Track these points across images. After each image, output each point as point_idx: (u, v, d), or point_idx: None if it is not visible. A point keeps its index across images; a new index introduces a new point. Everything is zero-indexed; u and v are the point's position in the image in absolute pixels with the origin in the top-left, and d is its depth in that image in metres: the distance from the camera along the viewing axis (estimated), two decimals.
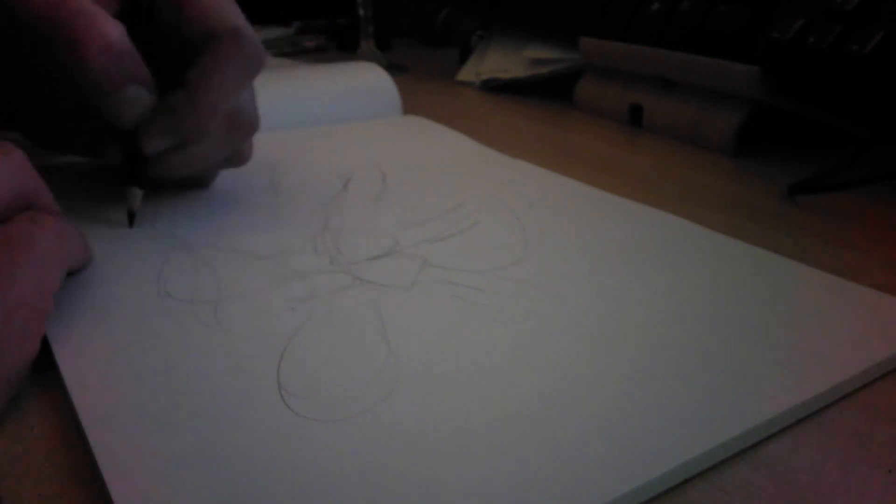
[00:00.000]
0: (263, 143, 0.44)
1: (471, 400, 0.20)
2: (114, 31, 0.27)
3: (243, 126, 0.33)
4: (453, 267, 0.28)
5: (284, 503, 0.17)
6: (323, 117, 0.48)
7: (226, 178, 0.37)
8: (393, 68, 0.69)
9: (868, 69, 0.37)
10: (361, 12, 0.73)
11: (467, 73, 0.66)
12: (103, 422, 0.19)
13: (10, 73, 0.31)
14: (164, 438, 0.18)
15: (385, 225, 0.32)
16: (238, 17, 0.30)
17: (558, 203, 0.34)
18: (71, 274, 0.25)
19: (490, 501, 0.17)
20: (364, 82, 0.51)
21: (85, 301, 0.25)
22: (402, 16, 0.91)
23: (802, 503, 0.17)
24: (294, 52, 0.83)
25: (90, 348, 0.22)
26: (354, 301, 0.25)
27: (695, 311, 0.25)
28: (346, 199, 0.35)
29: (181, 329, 0.23)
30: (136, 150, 0.30)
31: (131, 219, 0.31)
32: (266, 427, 0.19)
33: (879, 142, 0.36)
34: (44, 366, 0.21)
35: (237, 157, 0.35)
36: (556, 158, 0.43)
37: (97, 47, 0.27)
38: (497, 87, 0.62)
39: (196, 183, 0.36)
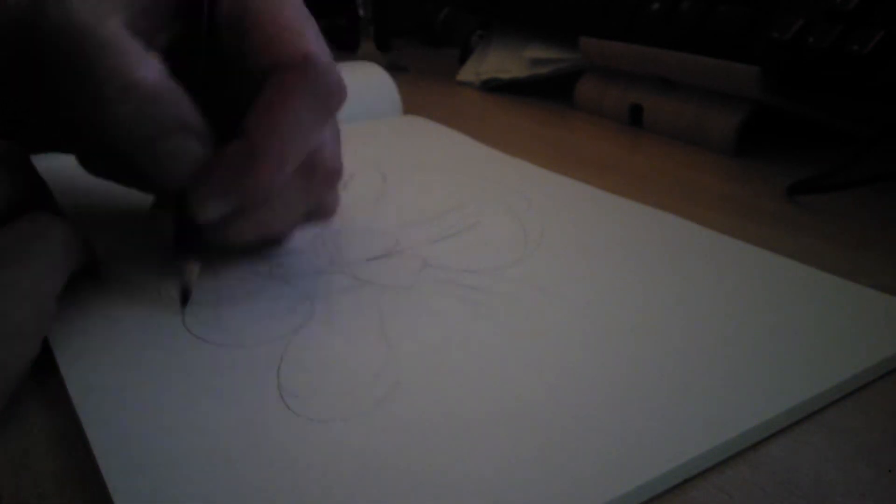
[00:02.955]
0: None
1: (471, 400, 0.20)
2: (143, 68, 0.22)
3: (323, 174, 0.26)
4: (453, 267, 0.28)
5: (284, 503, 0.17)
6: None
7: None
8: (393, 68, 0.69)
9: (868, 69, 0.37)
10: (361, 12, 0.73)
11: (467, 73, 0.66)
12: (103, 422, 0.19)
13: (43, 101, 0.25)
14: (164, 438, 0.18)
15: (385, 225, 0.32)
16: (311, 43, 0.24)
17: (558, 203, 0.34)
18: (73, 276, 0.25)
19: (490, 501, 0.17)
20: (364, 82, 0.51)
21: (85, 301, 0.25)
22: (402, 16, 0.91)
23: (802, 503, 0.17)
24: None
25: (90, 348, 0.22)
26: (354, 301, 0.25)
27: (695, 311, 0.25)
28: (346, 199, 0.35)
29: (181, 329, 0.23)
30: (188, 215, 0.24)
31: (185, 298, 0.25)
32: (266, 427, 0.19)
33: (879, 142, 0.36)
34: (44, 366, 0.21)
35: (319, 211, 0.28)
36: (556, 158, 0.43)
37: (117, 88, 0.21)
38: (497, 87, 0.62)
39: (266, 245, 0.29)
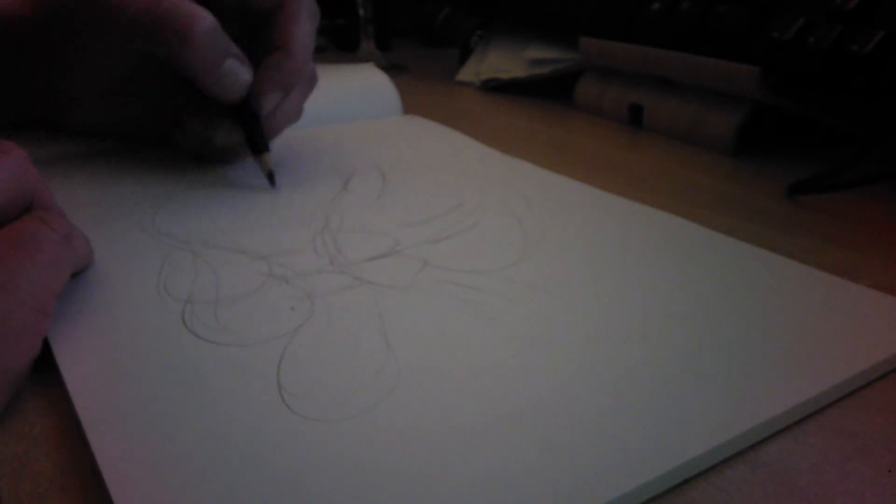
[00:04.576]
0: None
1: (470, 400, 0.20)
2: (207, 14, 0.32)
3: (313, 75, 0.39)
4: (453, 267, 0.28)
5: (284, 503, 0.17)
6: (323, 118, 0.48)
7: (226, 177, 0.37)
8: (393, 68, 0.69)
9: (868, 69, 0.37)
10: (361, 12, 0.73)
11: (467, 73, 0.66)
12: (103, 422, 0.19)
13: (74, 65, 0.35)
14: (164, 438, 0.18)
15: (385, 225, 0.32)
16: None
17: (558, 203, 0.34)
18: (73, 276, 0.25)
19: (490, 502, 0.17)
20: (364, 84, 0.51)
21: (85, 301, 0.25)
22: (402, 16, 0.91)
23: (802, 503, 0.17)
24: None
25: (90, 348, 0.22)
26: (354, 301, 0.25)
27: (695, 312, 0.25)
28: (346, 199, 0.35)
29: (181, 329, 0.23)
30: (252, 116, 0.35)
31: (272, 179, 0.36)
32: (266, 427, 0.19)
33: (880, 142, 0.36)
34: (44, 366, 0.21)
35: (310, 87, 0.40)
36: (556, 158, 0.43)
37: (200, 31, 0.32)
38: (497, 87, 0.62)
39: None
